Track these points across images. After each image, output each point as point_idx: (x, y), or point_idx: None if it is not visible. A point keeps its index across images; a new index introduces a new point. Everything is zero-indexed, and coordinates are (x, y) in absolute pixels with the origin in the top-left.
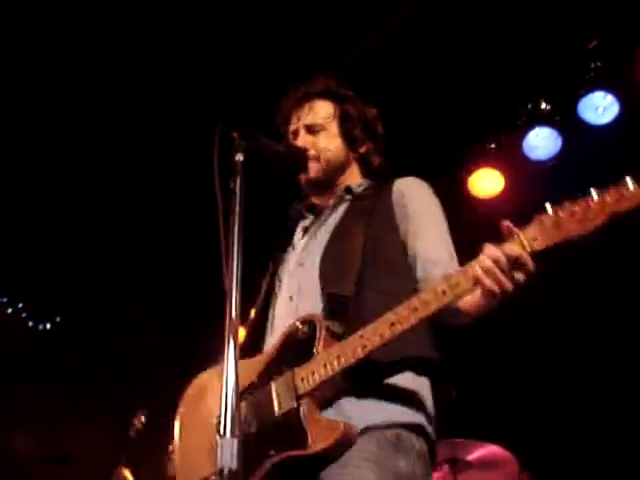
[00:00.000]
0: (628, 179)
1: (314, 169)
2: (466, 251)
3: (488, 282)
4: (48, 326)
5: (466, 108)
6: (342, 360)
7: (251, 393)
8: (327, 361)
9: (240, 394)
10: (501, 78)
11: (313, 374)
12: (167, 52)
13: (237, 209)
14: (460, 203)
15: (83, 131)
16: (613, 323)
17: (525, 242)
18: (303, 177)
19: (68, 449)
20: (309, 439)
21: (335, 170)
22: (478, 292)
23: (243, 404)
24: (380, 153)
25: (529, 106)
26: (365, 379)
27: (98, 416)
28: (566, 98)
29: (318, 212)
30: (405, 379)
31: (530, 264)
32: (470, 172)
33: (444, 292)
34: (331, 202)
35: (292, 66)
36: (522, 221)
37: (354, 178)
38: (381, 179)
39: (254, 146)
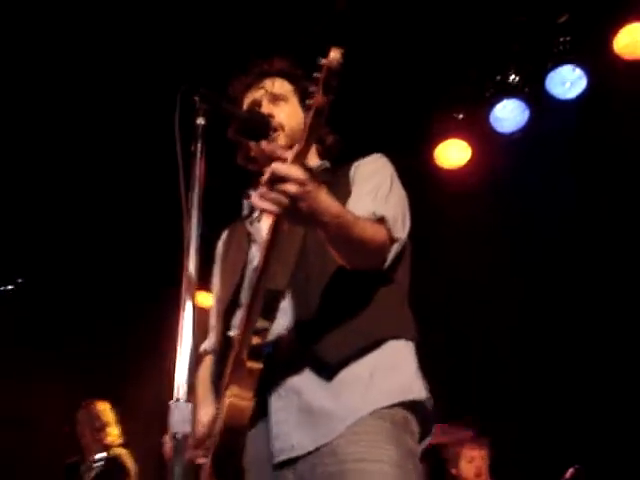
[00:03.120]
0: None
1: (280, 138)
2: (432, 219)
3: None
4: (9, 287)
5: (434, 78)
6: None
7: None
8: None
9: None
10: (470, 49)
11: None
12: (126, 14)
13: (197, 172)
14: (426, 173)
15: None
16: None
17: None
18: (267, 147)
19: (24, 411)
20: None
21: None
22: None
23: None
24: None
25: (497, 78)
26: (354, 363)
27: (56, 378)
28: (535, 71)
29: None
30: (394, 355)
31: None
32: (437, 142)
33: None
34: None
35: (253, 28)
36: (487, 195)
37: (312, 157)
38: (340, 160)
39: (216, 110)
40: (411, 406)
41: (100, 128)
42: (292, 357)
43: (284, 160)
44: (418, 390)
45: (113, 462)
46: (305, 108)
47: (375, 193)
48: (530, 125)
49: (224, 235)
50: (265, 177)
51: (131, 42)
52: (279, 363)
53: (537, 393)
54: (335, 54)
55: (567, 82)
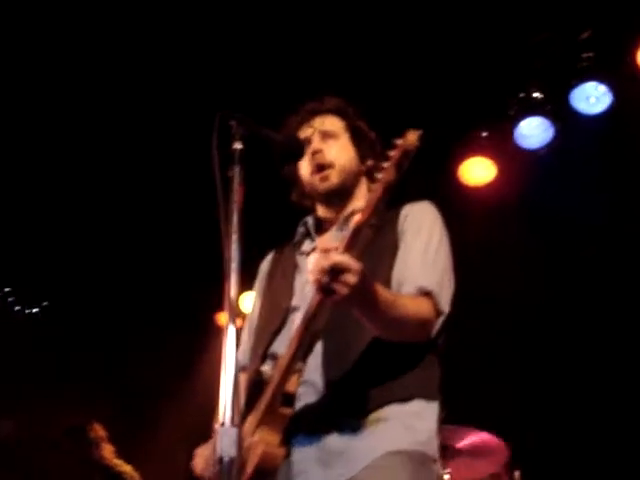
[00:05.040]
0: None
1: (333, 175)
2: (456, 238)
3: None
4: (35, 310)
5: (458, 96)
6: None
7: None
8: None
9: None
10: (493, 66)
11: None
12: (163, 39)
13: (236, 197)
14: (451, 191)
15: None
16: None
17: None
18: (320, 185)
19: (52, 432)
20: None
21: (350, 179)
22: None
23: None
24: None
25: (521, 95)
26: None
27: (83, 400)
28: (558, 87)
29: (323, 229)
30: (416, 412)
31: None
32: (461, 160)
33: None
34: (337, 224)
35: (286, 57)
36: (513, 212)
37: (364, 194)
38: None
39: (252, 134)
40: (427, 457)
41: (138, 154)
42: (317, 399)
43: (348, 243)
44: (435, 449)
45: None
46: (373, 181)
47: (423, 256)
48: (555, 142)
49: (270, 256)
50: (324, 266)
51: (170, 68)
52: (304, 403)
53: (570, 407)
54: (412, 137)
55: (592, 97)
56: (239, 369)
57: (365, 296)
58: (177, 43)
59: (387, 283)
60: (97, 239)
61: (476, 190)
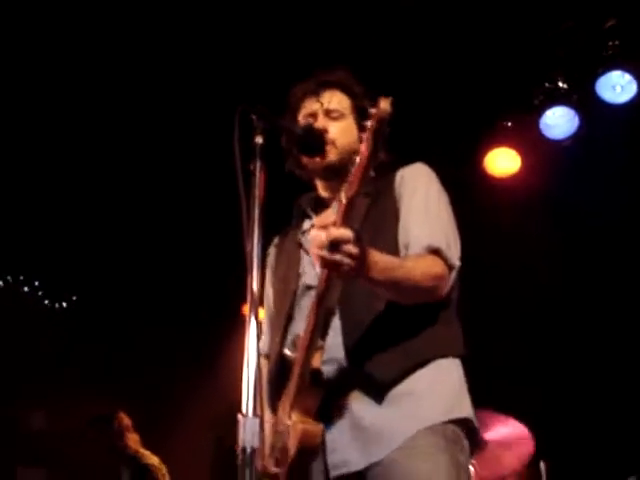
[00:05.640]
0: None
1: (332, 153)
2: (480, 228)
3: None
4: (64, 305)
5: (483, 87)
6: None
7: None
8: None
9: None
10: (518, 56)
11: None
12: (183, 32)
13: (257, 191)
14: (476, 182)
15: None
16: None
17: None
18: (319, 161)
19: (78, 426)
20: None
21: (348, 158)
22: None
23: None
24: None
25: (546, 85)
26: (414, 378)
27: (110, 395)
28: (584, 77)
29: (323, 206)
30: (441, 373)
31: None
32: (486, 151)
33: None
34: (335, 199)
35: (302, 53)
36: (538, 203)
37: None
38: (387, 170)
39: (272, 127)
40: (460, 422)
41: (160, 149)
42: (343, 375)
43: (341, 217)
44: (466, 408)
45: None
46: (355, 154)
47: (425, 214)
48: (580, 131)
49: (275, 241)
50: (323, 241)
51: (190, 63)
52: (331, 381)
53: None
54: (385, 104)
55: (617, 86)
56: (261, 357)
57: (365, 263)
58: (194, 38)
59: (394, 248)
60: (126, 234)
61: (501, 181)
